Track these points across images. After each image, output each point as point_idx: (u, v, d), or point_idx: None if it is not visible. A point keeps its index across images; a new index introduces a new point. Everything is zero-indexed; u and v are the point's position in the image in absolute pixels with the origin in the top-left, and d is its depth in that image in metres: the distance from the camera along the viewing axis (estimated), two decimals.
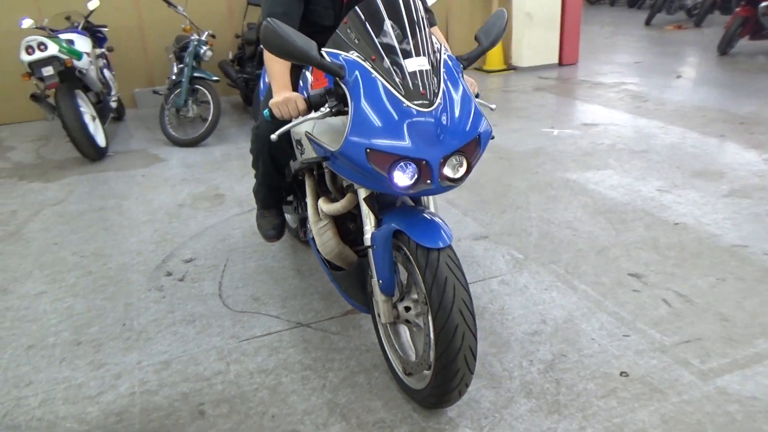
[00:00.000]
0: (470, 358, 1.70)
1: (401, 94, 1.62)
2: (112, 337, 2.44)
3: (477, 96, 2.02)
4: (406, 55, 1.67)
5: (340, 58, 1.72)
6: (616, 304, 2.47)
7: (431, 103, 1.63)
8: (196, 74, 5.13)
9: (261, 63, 5.24)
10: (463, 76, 1.81)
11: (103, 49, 5.59)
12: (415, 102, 1.62)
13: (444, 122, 1.64)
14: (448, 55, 1.78)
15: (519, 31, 7.42)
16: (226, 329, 2.44)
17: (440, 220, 1.81)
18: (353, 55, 1.70)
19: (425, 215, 1.82)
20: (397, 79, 1.64)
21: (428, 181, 1.65)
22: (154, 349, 2.34)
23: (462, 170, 1.70)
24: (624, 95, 5.96)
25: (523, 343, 2.26)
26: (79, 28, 5.31)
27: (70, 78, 4.57)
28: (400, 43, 1.69)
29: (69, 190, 4.17)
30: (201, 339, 2.39)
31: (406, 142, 1.61)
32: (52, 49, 4.41)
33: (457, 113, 1.68)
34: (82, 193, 4.11)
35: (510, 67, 7.63)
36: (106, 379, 2.19)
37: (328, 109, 1.75)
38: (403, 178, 1.64)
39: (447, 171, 1.67)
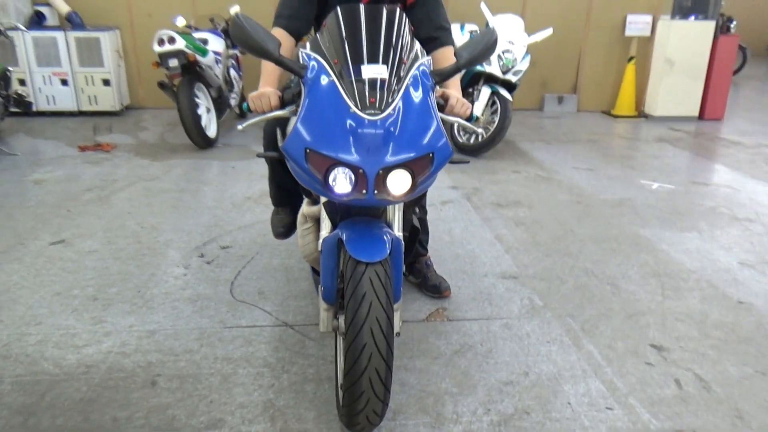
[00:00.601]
0: (377, 383, 1.61)
1: (351, 100, 1.60)
2: (123, 300, 2.64)
3: (470, 119, 1.94)
4: (366, 61, 1.65)
5: (310, 59, 1.74)
6: (616, 374, 2.20)
7: (380, 112, 1.59)
8: None
9: None
10: (433, 92, 1.74)
11: (236, 51, 6.11)
12: (367, 110, 1.59)
13: (390, 133, 1.59)
14: (422, 70, 1.72)
15: (656, 77, 6.89)
16: (218, 314, 2.54)
17: (388, 236, 1.74)
18: (319, 57, 1.71)
19: (372, 227, 1.77)
20: (351, 85, 1.63)
21: (363, 191, 1.60)
22: (149, 318, 2.50)
23: (405, 187, 1.63)
24: (758, 158, 5.29)
25: (490, 390, 2.09)
26: (219, 29, 5.87)
27: (191, 71, 5.05)
28: (365, 49, 1.67)
29: (166, 171, 4.60)
30: (192, 318, 2.51)
31: (345, 148, 1.58)
32: (180, 43, 4.91)
33: (409, 126, 1.62)
34: (175, 174, 4.51)
35: (641, 115, 7.11)
36: (96, 334, 2.38)
37: (294, 107, 1.78)
38: (339, 184, 1.61)
39: (390, 184, 1.62)
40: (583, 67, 7.24)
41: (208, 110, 5.35)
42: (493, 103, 5.09)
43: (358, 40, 1.70)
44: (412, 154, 1.61)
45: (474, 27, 5.62)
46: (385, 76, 1.64)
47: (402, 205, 1.91)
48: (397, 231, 1.87)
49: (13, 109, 5.52)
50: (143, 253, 3.12)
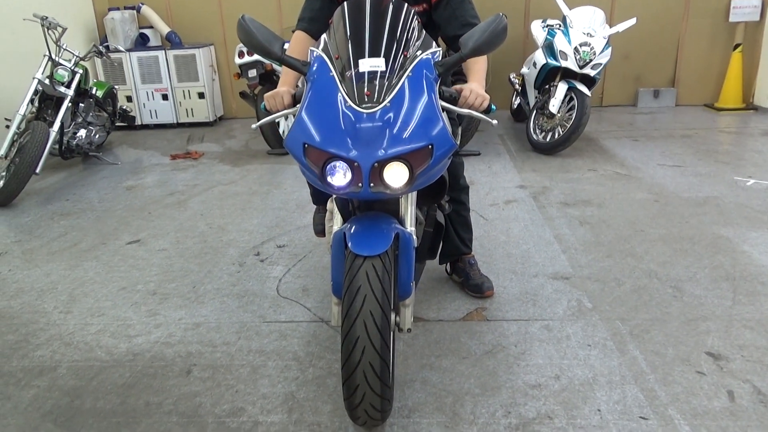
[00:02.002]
0: (372, 377, 1.60)
1: (348, 94, 1.61)
2: (178, 295, 2.81)
3: (488, 111, 1.88)
4: (364, 54, 1.65)
5: (314, 56, 1.76)
6: (659, 382, 2.02)
7: (376, 105, 1.58)
8: None
9: None
10: (437, 84, 1.70)
11: None
12: (363, 104, 1.59)
13: (386, 126, 1.58)
14: (424, 61, 1.69)
15: (767, 66, 6.28)
16: (260, 309, 2.63)
17: (393, 231, 1.72)
18: (323, 54, 1.73)
19: (378, 222, 1.76)
20: (350, 79, 1.63)
21: (359, 185, 1.60)
22: (197, 312, 2.64)
23: (403, 180, 1.61)
24: None
25: (515, 393, 2.00)
26: None
27: (269, 80, 5.28)
28: (367, 43, 1.68)
29: (243, 175, 4.84)
30: (236, 312, 2.62)
31: (340, 142, 1.59)
32: (257, 55, 5.15)
33: (406, 119, 1.60)
34: (251, 179, 4.73)
35: (749, 107, 6.50)
36: (148, 326, 2.55)
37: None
38: (336, 177, 1.62)
39: (387, 177, 1.60)
40: (682, 57, 6.74)
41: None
42: (571, 99, 4.87)
43: (360, 35, 1.70)
44: (407, 147, 1.59)
45: (555, 21, 5.42)
46: (383, 68, 1.63)
47: (414, 200, 1.88)
48: (409, 226, 1.85)
49: (119, 124, 6.04)
50: (206, 252, 3.30)
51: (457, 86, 1.91)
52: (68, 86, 4.77)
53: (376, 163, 1.58)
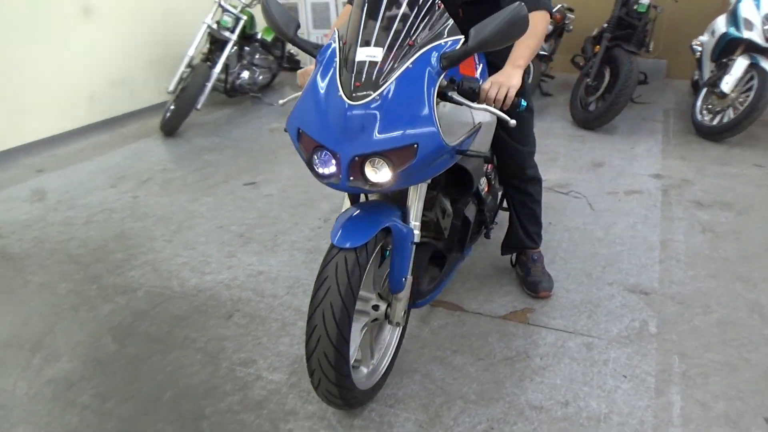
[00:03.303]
0: (326, 365, 1.62)
1: (341, 82, 1.58)
2: (259, 241, 3.05)
3: (517, 107, 1.71)
4: (366, 43, 1.59)
5: (332, 39, 1.74)
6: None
7: (365, 97, 1.54)
8: None
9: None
10: (440, 77, 1.58)
11: None
12: (353, 94, 1.56)
13: (371, 120, 1.53)
14: (429, 53, 1.58)
15: None
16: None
17: (385, 224, 1.69)
18: (337, 38, 1.70)
19: (371, 212, 1.74)
20: (348, 67, 1.60)
21: (340, 176, 1.59)
22: (267, 261, 2.85)
23: (384, 178, 1.55)
24: None
25: (510, 409, 1.88)
26: None
27: None
28: (375, 31, 1.61)
29: None
30: (297, 267, 2.77)
31: (326, 131, 1.58)
32: None
33: (394, 114, 1.53)
34: None
35: None
36: (222, 266, 2.82)
37: None
38: (321, 166, 1.62)
39: (367, 173, 1.57)
40: None
41: None
42: (751, 78, 4.13)
43: (370, 21, 1.63)
44: (389, 144, 1.52)
45: None
46: (378, 59, 1.56)
47: (423, 193, 1.81)
48: (413, 220, 1.79)
49: (285, 66, 6.47)
50: (302, 203, 3.49)
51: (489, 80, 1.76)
52: (232, 31, 5.21)
53: (357, 156, 1.54)
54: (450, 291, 2.53)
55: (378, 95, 1.53)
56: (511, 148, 2.30)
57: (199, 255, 2.92)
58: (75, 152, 4.57)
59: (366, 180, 1.56)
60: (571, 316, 2.34)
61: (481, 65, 2.03)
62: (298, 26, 1.73)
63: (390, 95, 1.53)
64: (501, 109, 1.73)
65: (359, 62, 1.57)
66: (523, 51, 1.82)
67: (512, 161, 2.34)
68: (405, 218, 1.79)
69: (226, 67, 5.27)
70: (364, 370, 1.92)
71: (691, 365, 2.05)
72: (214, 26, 5.13)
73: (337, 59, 1.62)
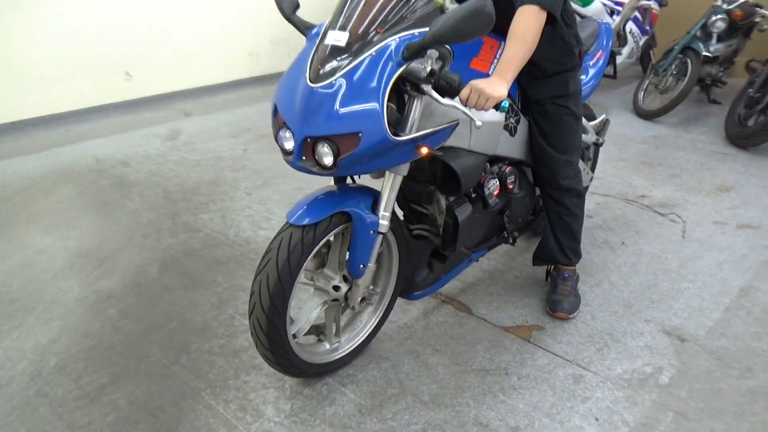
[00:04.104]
0: (260, 331, 1.71)
1: (310, 64, 1.63)
2: None
3: (497, 107, 1.63)
4: (338, 27, 1.61)
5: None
6: None
7: (324, 80, 1.57)
8: (690, 45, 4.58)
9: None
10: (400, 68, 1.55)
11: (649, 2, 5.50)
12: (317, 75, 1.60)
13: (325, 103, 1.57)
14: (395, 43, 1.55)
15: None
16: None
17: (339, 208, 1.72)
18: (327, 19, 1.74)
19: (334, 195, 1.77)
20: (320, 49, 1.64)
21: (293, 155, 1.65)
22: None
23: (329, 162, 1.59)
24: None
25: (454, 419, 1.82)
26: None
27: None
28: (346, 15, 1.62)
29: None
30: None
31: (290, 110, 1.64)
32: None
33: (346, 100, 1.55)
34: None
35: None
36: (278, 224, 3.03)
37: None
38: (284, 142, 1.69)
39: (317, 155, 1.61)
40: None
41: None
42: None
43: (351, 5, 1.64)
44: (334, 130, 1.55)
45: None
46: (342, 44, 1.58)
47: (395, 184, 1.79)
48: (383, 210, 1.79)
49: None
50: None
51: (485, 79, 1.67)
52: None
53: (309, 138, 1.59)
54: (468, 291, 2.46)
55: (335, 80, 1.55)
56: (543, 153, 2.14)
57: (264, 211, 3.16)
58: (223, 102, 5.12)
59: (314, 162, 1.60)
60: (579, 344, 2.15)
61: (496, 61, 1.91)
62: (297, 6, 1.79)
63: (345, 81, 1.54)
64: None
65: (325, 45, 1.60)
66: (510, 59, 1.68)
67: (544, 167, 2.18)
68: (374, 207, 1.80)
69: None
70: (327, 345, 1.98)
71: (684, 428, 1.79)
72: None
73: (317, 40, 1.66)
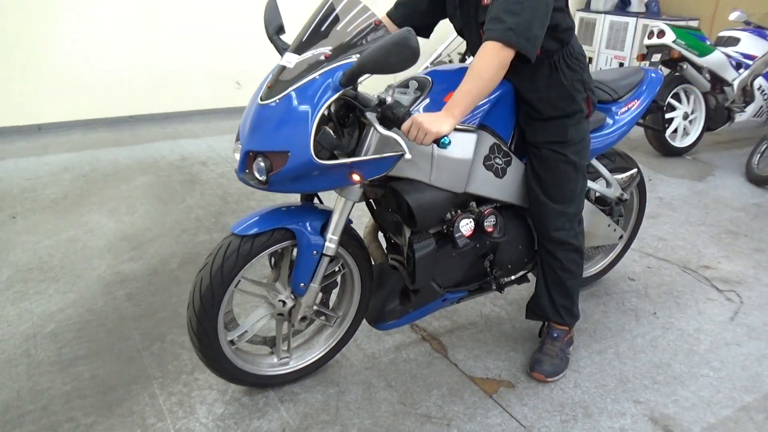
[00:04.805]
0: (191, 332, 1.77)
1: (266, 84, 1.69)
2: None
3: (440, 144, 1.59)
4: (294, 49, 1.66)
5: None
6: None
7: (270, 99, 1.63)
8: None
9: None
10: (336, 93, 1.56)
11: None
12: (267, 93, 1.66)
13: (265, 122, 1.62)
14: (337, 68, 1.57)
15: None
16: None
17: (282, 224, 1.76)
18: None
19: (284, 213, 1.81)
20: (275, 69, 1.70)
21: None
22: None
23: (262, 177, 1.63)
24: None
25: None
26: None
27: (673, 68, 4.57)
28: (304, 37, 1.67)
29: None
30: None
31: (243, 125, 1.72)
32: (668, 38, 4.48)
33: (282, 120, 1.59)
34: None
35: None
36: None
37: None
38: (235, 154, 1.75)
39: (254, 168, 1.66)
40: None
41: (687, 116, 4.72)
42: None
43: (307, 27, 1.68)
44: (267, 146, 1.60)
45: None
46: (291, 66, 1.62)
47: (345, 209, 1.79)
48: (330, 233, 1.79)
49: None
50: None
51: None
52: None
53: (250, 152, 1.65)
54: (455, 332, 2.35)
55: (278, 99, 1.60)
56: (536, 199, 2.01)
57: None
58: None
59: (252, 176, 1.65)
60: (545, 411, 1.97)
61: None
62: (281, 29, 1.85)
63: (286, 101, 1.59)
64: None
65: (280, 66, 1.65)
66: (462, 95, 1.61)
67: (536, 214, 2.04)
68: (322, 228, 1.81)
69: None
70: (275, 359, 2.01)
71: None
72: None
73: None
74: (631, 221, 2.70)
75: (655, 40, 4.56)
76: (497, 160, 1.95)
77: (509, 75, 1.93)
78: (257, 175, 1.63)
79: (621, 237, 2.54)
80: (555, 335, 2.17)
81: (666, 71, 4.68)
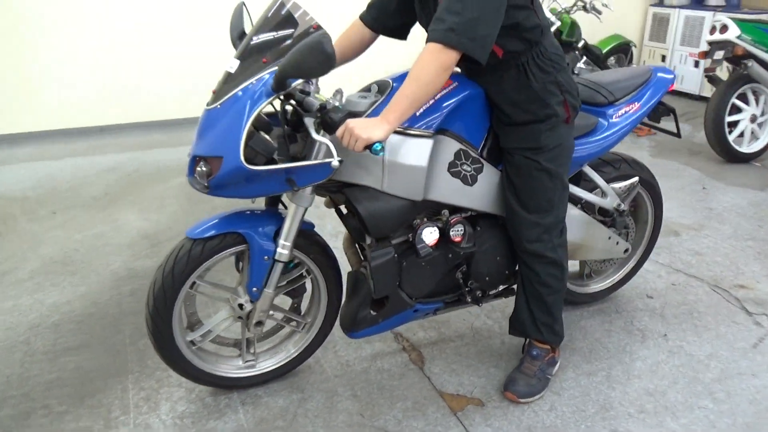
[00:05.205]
0: (148, 331, 1.82)
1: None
2: None
3: (372, 150, 1.56)
4: (238, 54, 1.67)
5: None
6: None
7: (212, 103, 1.65)
8: None
9: None
10: (268, 98, 1.55)
11: None
12: (212, 98, 1.68)
13: (208, 126, 1.65)
14: (272, 77, 1.56)
15: None
16: None
17: (233, 228, 1.78)
18: None
19: (233, 217, 1.84)
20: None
21: None
22: None
23: (202, 180, 1.65)
24: None
25: None
26: None
27: (738, 65, 4.19)
28: (245, 42, 1.66)
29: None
30: None
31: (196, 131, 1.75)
32: (732, 33, 4.12)
33: (220, 125, 1.61)
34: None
35: None
36: None
37: None
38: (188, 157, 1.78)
39: (196, 172, 1.68)
40: None
41: (754, 119, 4.31)
42: None
43: (252, 32, 1.68)
44: (205, 150, 1.62)
45: None
46: (232, 71, 1.63)
47: (296, 216, 1.78)
48: (282, 239, 1.79)
49: None
50: None
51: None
52: None
53: (195, 156, 1.67)
54: (438, 344, 2.28)
55: (219, 104, 1.62)
56: (510, 208, 1.91)
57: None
58: None
59: (197, 180, 1.68)
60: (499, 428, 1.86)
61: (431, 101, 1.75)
62: (243, 33, 1.85)
63: (224, 107, 1.60)
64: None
65: (224, 71, 1.66)
66: (398, 99, 1.55)
67: (510, 224, 1.94)
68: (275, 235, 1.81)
69: None
70: (240, 361, 2.03)
71: None
72: None
73: None
74: (645, 234, 2.49)
75: (717, 36, 4.22)
76: (465, 167, 1.87)
77: (477, 78, 1.86)
78: (198, 179, 1.65)
79: (627, 251, 2.35)
80: (534, 353, 2.05)
81: (730, 69, 4.32)
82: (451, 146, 1.83)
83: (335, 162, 1.55)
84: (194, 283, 1.84)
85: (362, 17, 2.00)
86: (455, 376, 2.11)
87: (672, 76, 2.26)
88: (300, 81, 1.69)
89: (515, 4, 1.65)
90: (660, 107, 2.26)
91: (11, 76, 4.51)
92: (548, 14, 5.04)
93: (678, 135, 2.35)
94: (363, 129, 1.51)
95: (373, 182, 1.74)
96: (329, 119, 1.56)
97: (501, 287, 2.13)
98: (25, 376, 2.10)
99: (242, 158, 1.55)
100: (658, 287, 2.69)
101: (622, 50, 5.83)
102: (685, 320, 2.45)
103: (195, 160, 1.67)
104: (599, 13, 5.19)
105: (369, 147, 1.52)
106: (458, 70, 1.90)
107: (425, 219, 1.91)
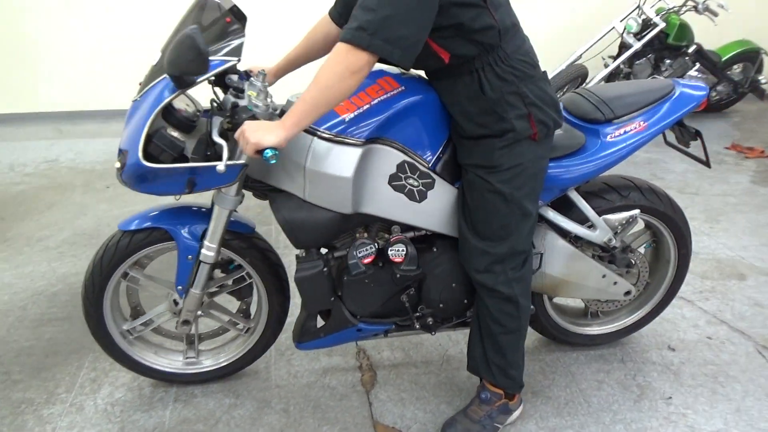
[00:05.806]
0: (83, 314, 1.86)
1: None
2: None
3: (264, 156, 1.46)
4: (162, 47, 1.62)
5: None
6: None
7: (136, 96, 1.63)
8: None
9: None
10: (172, 94, 1.49)
11: None
12: (137, 90, 1.65)
13: (129, 118, 1.62)
14: None
15: None
16: None
17: (163, 225, 1.75)
18: None
19: (164, 213, 1.80)
20: None
21: None
22: None
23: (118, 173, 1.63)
24: None
25: None
26: None
27: None
28: (175, 35, 1.61)
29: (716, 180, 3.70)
30: None
31: None
32: None
33: (134, 118, 1.58)
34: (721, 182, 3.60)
35: None
36: None
37: None
38: None
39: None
40: None
41: None
42: None
43: (176, 28, 1.62)
44: (121, 144, 1.59)
45: None
46: (154, 63, 1.59)
47: (221, 217, 1.70)
48: (207, 240, 1.73)
49: (744, 90, 5.25)
50: None
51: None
52: (638, 37, 4.60)
53: (120, 148, 1.66)
54: (399, 368, 2.11)
55: (139, 97, 1.59)
56: (460, 232, 1.71)
57: None
58: None
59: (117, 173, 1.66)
60: None
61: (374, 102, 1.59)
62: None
63: (140, 99, 1.57)
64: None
65: (151, 65, 1.63)
66: (298, 104, 1.41)
67: (460, 249, 1.73)
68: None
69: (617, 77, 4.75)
70: (181, 357, 2.01)
71: None
72: (620, 29, 4.65)
73: None
74: (667, 275, 2.12)
75: None
76: (410, 181, 1.68)
77: (434, 83, 1.66)
78: (117, 172, 1.63)
79: (628, 293, 2.01)
80: (483, 397, 1.81)
81: None
82: (392, 157, 1.65)
83: (221, 166, 1.45)
84: (127, 274, 1.83)
85: (330, 14, 1.87)
86: (399, 407, 1.93)
87: (703, 92, 1.87)
88: (235, 76, 1.62)
89: (457, 1, 1.43)
90: (682, 129, 1.89)
91: (107, 55, 4.86)
92: (652, 14, 4.51)
93: (707, 164, 1.96)
94: (254, 133, 1.40)
95: (296, 189, 1.62)
96: (234, 120, 1.47)
97: (457, 319, 1.91)
98: (5, 341, 2.24)
99: (140, 154, 1.50)
100: (688, 338, 2.29)
101: (749, 58, 5.10)
102: (703, 384, 2.05)
103: (120, 152, 1.65)
104: (714, 14, 4.56)
105: (260, 153, 1.41)
106: (420, 73, 1.71)
107: (365, 234, 1.75)
